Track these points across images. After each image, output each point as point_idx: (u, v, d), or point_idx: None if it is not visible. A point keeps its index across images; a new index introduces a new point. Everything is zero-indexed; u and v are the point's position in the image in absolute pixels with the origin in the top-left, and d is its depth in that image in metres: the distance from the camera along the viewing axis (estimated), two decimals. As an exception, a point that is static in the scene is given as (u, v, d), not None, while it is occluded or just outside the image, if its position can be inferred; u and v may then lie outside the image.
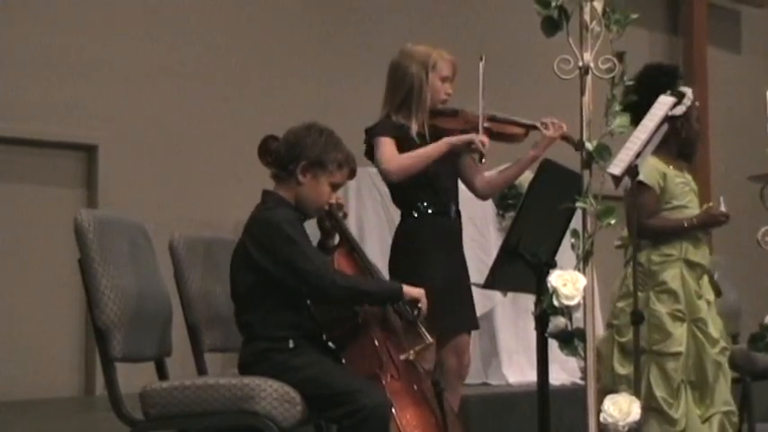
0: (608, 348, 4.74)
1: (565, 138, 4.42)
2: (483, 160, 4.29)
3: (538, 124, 4.44)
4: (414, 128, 4.35)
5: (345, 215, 4.13)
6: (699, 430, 4.64)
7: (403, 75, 4.38)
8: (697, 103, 4.94)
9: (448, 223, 4.42)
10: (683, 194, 4.82)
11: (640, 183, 4.64)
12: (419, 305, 3.86)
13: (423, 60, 4.38)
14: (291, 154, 3.86)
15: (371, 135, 4.36)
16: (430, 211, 4.36)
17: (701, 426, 4.65)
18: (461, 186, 4.58)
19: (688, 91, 4.76)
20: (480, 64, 4.39)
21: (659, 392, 4.61)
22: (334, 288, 3.73)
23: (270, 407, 3.54)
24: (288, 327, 3.76)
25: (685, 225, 4.77)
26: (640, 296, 4.65)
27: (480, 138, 4.26)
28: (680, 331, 4.67)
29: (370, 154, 4.39)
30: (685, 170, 4.97)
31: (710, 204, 4.96)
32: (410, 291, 3.86)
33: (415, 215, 4.37)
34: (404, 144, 4.32)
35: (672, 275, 4.71)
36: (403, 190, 4.41)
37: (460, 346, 4.45)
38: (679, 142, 4.84)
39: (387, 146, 4.30)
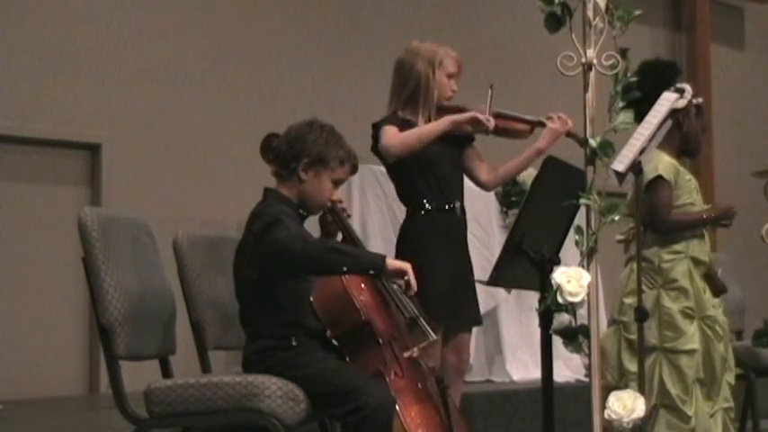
0: (613, 345, 4.73)
1: (570, 135, 4.43)
2: (489, 132, 4.31)
3: (544, 119, 4.46)
4: (421, 124, 4.36)
5: (348, 216, 4.13)
6: (707, 426, 4.64)
7: (410, 72, 4.39)
8: (701, 100, 4.94)
9: (454, 220, 4.43)
10: (689, 192, 4.82)
11: (660, 177, 4.66)
12: (405, 278, 3.72)
13: (429, 57, 4.39)
14: (293, 151, 3.85)
15: (378, 128, 4.36)
16: (436, 209, 4.37)
17: (708, 421, 4.65)
18: (465, 183, 4.58)
19: (687, 86, 4.76)
20: (489, 92, 4.41)
21: (674, 390, 4.61)
22: (304, 245, 3.60)
23: (274, 404, 3.54)
24: (291, 324, 3.76)
25: (704, 217, 4.77)
26: (650, 293, 4.67)
27: (486, 115, 4.27)
28: (692, 328, 4.67)
29: (377, 148, 4.39)
30: (686, 166, 4.97)
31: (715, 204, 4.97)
32: (394, 263, 3.71)
33: (422, 212, 4.37)
34: None
35: (682, 273, 4.71)
36: (409, 186, 4.41)
37: (461, 343, 4.47)
38: (680, 138, 4.84)
39: (389, 130, 4.32)
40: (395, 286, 3.84)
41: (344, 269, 3.68)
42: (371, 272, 3.71)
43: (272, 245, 3.62)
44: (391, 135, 4.30)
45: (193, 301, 4.04)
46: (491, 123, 4.28)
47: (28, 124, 7.24)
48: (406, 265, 3.73)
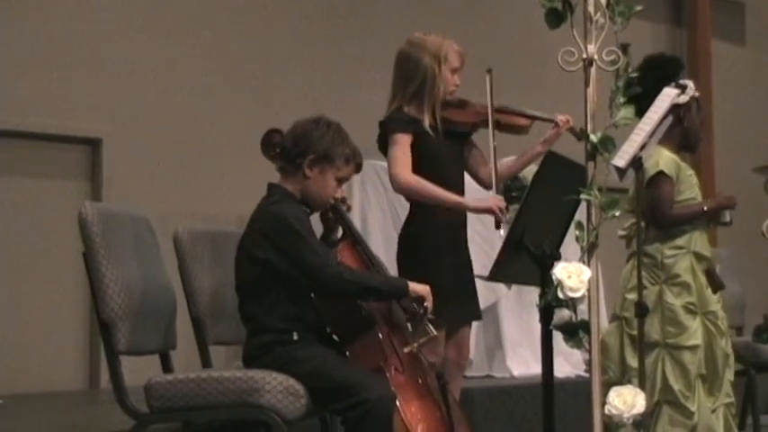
0: (616, 341, 4.74)
1: (570, 129, 4.44)
2: (501, 226, 4.20)
3: (548, 116, 4.46)
4: (426, 120, 4.35)
5: (349, 208, 4.13)
6: (709, 422, 4.64)
7: (416, 66, 4.34)
8: (698, 94, 4.94)
9: (455, 216, 4.43)
10: (691, 187, 4.82)
11: (661, 173, 4.66)
12: (425, 303, 3.84)
13: (435, 52, 4.35)
14: (299, 147, 3.85)
15: (387, 129, 4.35)
16: (440, 206, 4.36)
17: (711, 417, 4.65)
18: (466, 178, 4.58)
19: (689, 83, 4.76)
20: (487, 78, 4.39)
21: (677, 386, 4.62)
22: (340, 282, 3.72)
23: (275, 400, 3.54)
24: (292, 319, 3.76)
25: (705, 209, 4.77)
26: (653, 289, 4.67)
27: (498, 204, 4.23)
28: (695, 324, 4.67)
29: (383, 146, 4.39)
30: (686, 161, 4.98)
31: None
32: (416, 288, 3.84)
33: (425, 208, 4.37)
34: (419, 138, 4.32)
35: (684, 268, 4.71)
36: None
37: (461, 338, 4.47)
38: (681, 133, 4.84)
39: (402, 147, 4.28)
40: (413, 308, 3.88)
41: (370, 300, 3.83)
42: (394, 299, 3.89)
43: (305, 269, 3.70)
44: (403, 164, 4.25)
45: (194, 296, 4.04)
46: (503, 218, 4.20)
47: (28, 119, 7.23)
48: (426, 290, 3.85)
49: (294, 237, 3.69)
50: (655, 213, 4.71)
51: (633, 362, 4.64)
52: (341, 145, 3.87)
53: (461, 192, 4.48)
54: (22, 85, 7.21)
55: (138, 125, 7.65)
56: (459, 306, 4.36)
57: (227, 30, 8.22)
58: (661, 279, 4.72)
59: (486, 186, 4.67)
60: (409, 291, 3.84)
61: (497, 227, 4.21)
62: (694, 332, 4.66)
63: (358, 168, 4.02)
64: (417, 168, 4.35)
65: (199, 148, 7.90)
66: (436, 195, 4.26)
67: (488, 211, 4.25)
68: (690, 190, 4.81)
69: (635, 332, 4.64)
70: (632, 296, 4.70)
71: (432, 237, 4.35)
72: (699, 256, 4.76)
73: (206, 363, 4.09)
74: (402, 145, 4.28)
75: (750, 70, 12.28)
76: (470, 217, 4.59)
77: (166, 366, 3.97)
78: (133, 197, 6.99)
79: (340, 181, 3.92)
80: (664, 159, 4.71)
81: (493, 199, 4.27)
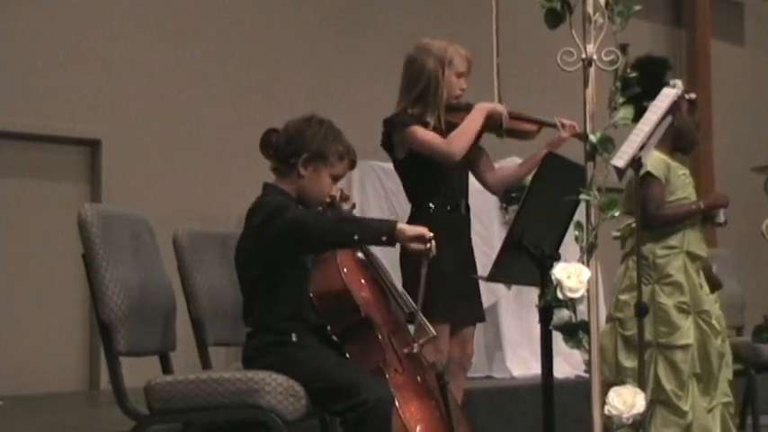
0: (610, 341, 4.74)
1: (576, 135, 4.44)
2: (503, 135, 4.43)
3: (555, 121, 4.47)
4: (430, 122, 4.37)
5: (354, 206, 4.13)
6: (705, 422, 4.64)
7: (420, 70, 4.39)
8: (693, 95, 4.94)
9: (458, 219, 4.45)
10: (684, 187, 4.83)
11: (648, 174, 4.67)
12: (428, 245, 3.61)
13: (439, 56, 4.40)
14: (292, 147, 3.85)
15: (395, 127, 4.37)
16: (441, 208, 4.38)
17: (706, 417, 4.66)
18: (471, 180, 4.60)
19: (678, 82, 4.76)
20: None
21: (669, 385, 4.62)
22: (315, 219, 3.63)
23: (275, 401, 3.54)
24: (291, 320, 3.76)
25: (693, 208, 4.78)
26: (645, 289, 4.66)
27: (505, 111, 4.38)
28: (687, 324, 4.68)
29: (387, 145, 4.40)
30: (685, 163, 4.98)
31: None
32: (406, 228, 3.63)
33: (428, 211, 4.38)
34: None
35: (676, 267, 4.72)
36: (416, 184, 4.42)
37: (465, 337, 4.48)
38: (672, 133, 4.84)
39: (426, 133, 4.33)
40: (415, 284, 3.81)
41: (356, 238, 3.62)
42: (384, 238, 3.60)
43: (284, 225, 3.61)
44: (440, 140, 4.32)
45: (193, 297, 4.04)
46: (506, 122, 4.38)
47: (27, 120, 7.24)
48: (423, 230, 3.64)
49: (280, 209, 3.65)
50: (643, 214, 4.71)
51: (626, 362, 4.65)
52: (334, 142, 3.86)
53: (466, 194, 4.49)
54: (22, 86, 7.21)
55: (138, 126, 7.66)
56: (462, 307, 4.36)
57: (228, 30, 8.23)
58: (653, 279, 4.73)
59: (493, 191, 4.70)
60: (396, 230, 3.59)
61: (500, 134, 4.48)
62: (686, 331, 4.67)
63: (352, 165, 4.02)
64: (422, 170, 4.37)
65: (198, 150, 7.91)
66: (472, 127, 4.37)
67: (499, 111, 4.42)
68: (683, 190, 4.82)
69: (628, 333, 4.66)
70: (625, 297, 4.72)
71: (436, 240, 4.35)
72: (693, 256, 4.76)
73: (206, 364, 4.09)
74: (420, 131, 4.32)
75: (749, 71, 12.29)
76: (471, 218, 4.59)
77: (166, 367, 3.96)
78: (132, 198, 7.00)
79: (335, 178, 3.92)
80: (651, 160, 4.71)
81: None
